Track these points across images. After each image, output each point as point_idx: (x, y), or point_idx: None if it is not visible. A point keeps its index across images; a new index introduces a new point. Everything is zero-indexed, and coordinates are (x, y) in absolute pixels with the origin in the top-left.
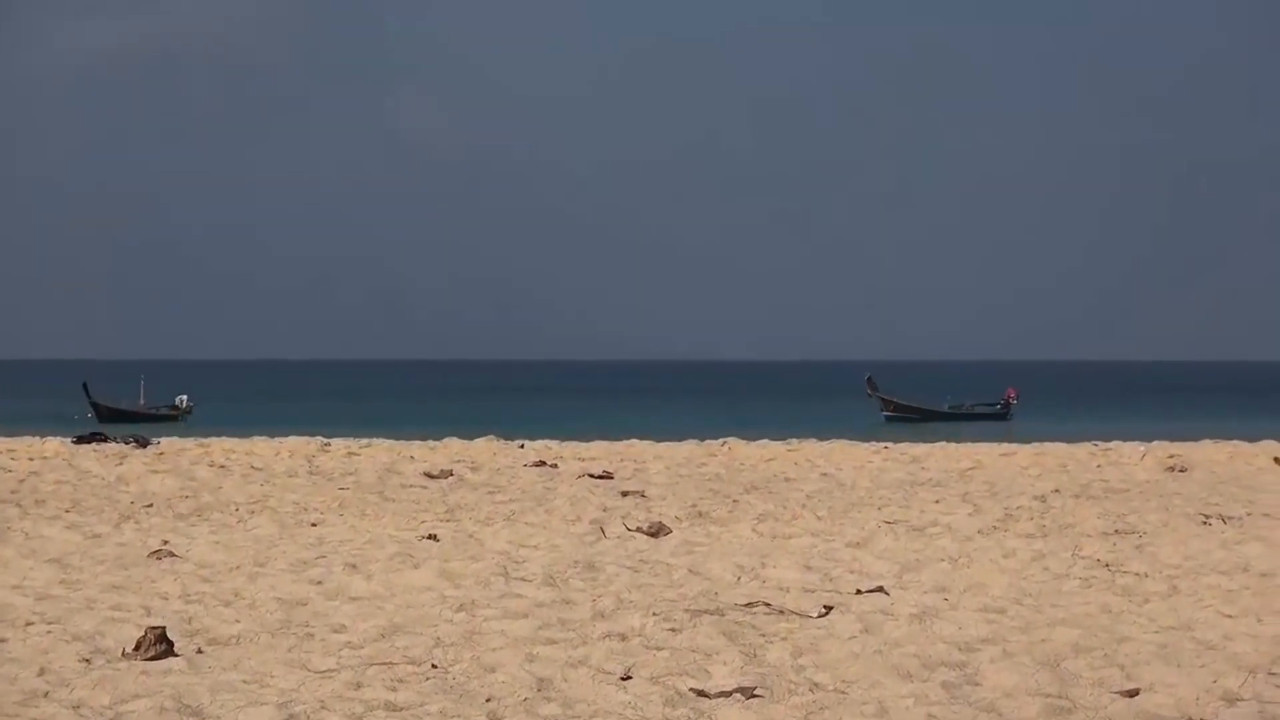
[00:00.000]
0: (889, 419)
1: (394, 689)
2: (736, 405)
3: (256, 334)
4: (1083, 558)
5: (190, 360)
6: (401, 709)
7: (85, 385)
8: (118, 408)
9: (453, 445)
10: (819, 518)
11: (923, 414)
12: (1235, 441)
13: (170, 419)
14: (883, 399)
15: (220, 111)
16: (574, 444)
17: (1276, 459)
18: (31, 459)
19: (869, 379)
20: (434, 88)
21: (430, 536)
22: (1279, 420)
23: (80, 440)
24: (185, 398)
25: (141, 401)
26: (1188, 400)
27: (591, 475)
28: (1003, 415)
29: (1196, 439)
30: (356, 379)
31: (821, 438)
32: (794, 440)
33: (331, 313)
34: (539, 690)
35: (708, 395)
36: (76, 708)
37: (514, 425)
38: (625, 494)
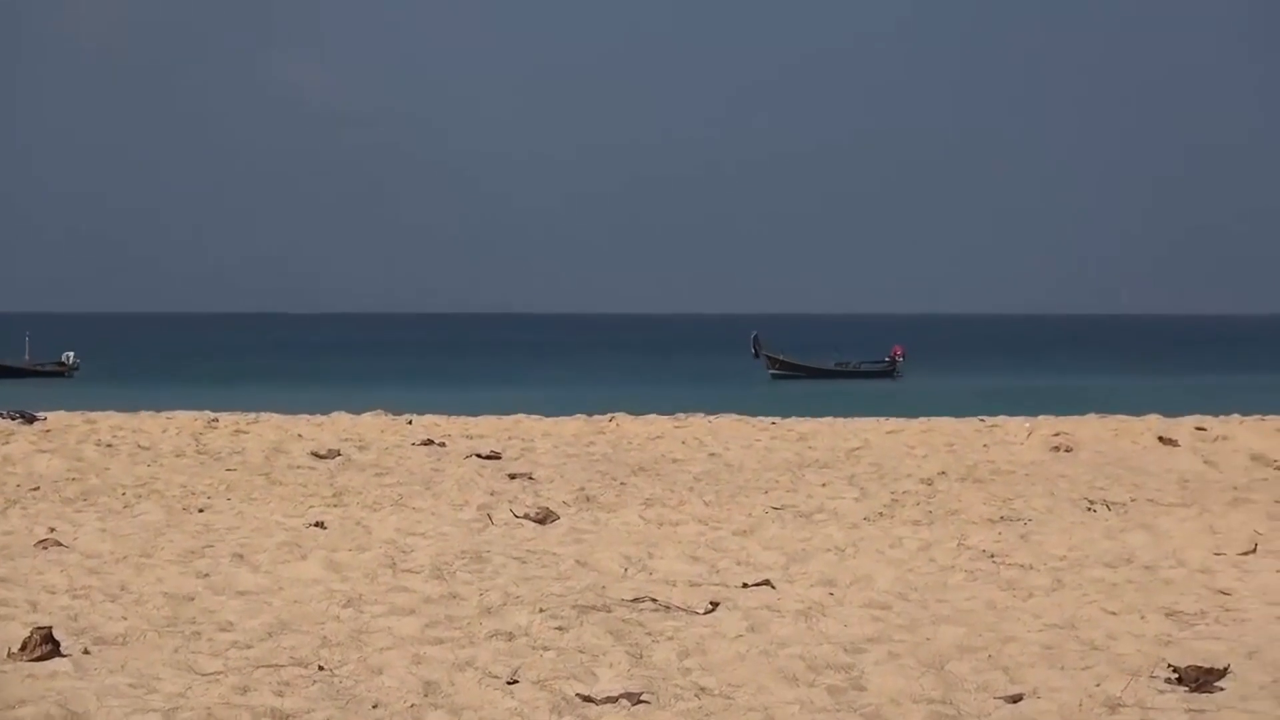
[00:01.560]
0: (775, 377)
1: (281, 693)
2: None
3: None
4: (968, 548)
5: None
6: (289, 716)
7: None
8: (3, 364)
9: (341, 421)
10: (706, 503)
11: (809, 372)
12: (1120, 416)
13: (57, 374)
14: (769, 357)
15: None
16: (462, 419)
17: (1161, 438)
18: None
19: (754, 338)
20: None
21: (318, 524)
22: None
23: None
24: (72, 354)
25: (26, 357)
26: (1075, 354)
27: (479, 455)
28: (889, 373)
29: (1081, 408)
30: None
31: (710, 409)
32: (681, 415)
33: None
34: (426, 695)
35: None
36: None
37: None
38: (513, 476)
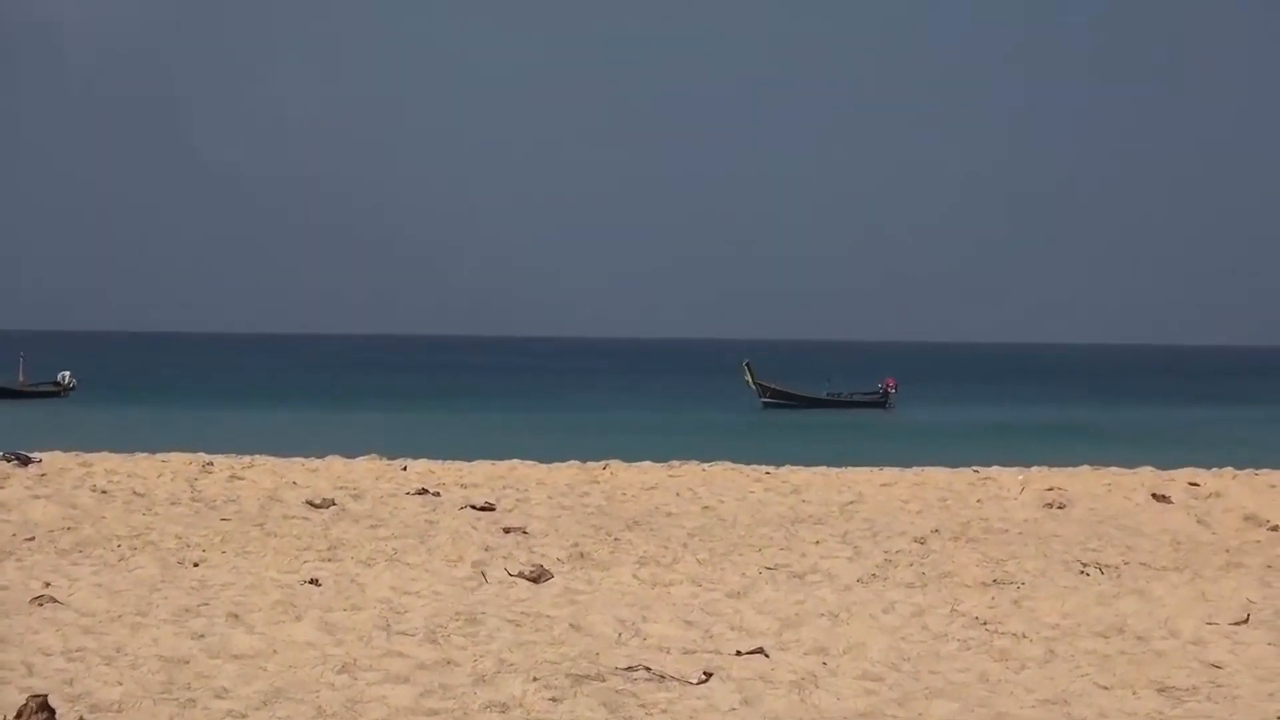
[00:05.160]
0: (767, 405)
1: None
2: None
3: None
4: (961, 614)
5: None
6: None
7: None
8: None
9: (335, 466)
10: (700, 561)
11: (801, 401)
12: (1114, 469)
13: (53, 395)
14: (760, 385)
15: None
16: (457, 465)
17: (1154, 495)
18: None
19: (746, 364)
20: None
21: (312, 581)
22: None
23: None
24: (68, 374)
25: (21, 378)
26: (1070, 385)
27: (474, 507)
28: (881, 404)
29: (1074, 460)
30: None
31: (703, 435)
32: (676, 463)
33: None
34: None
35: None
36: None
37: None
38: (508, 530)
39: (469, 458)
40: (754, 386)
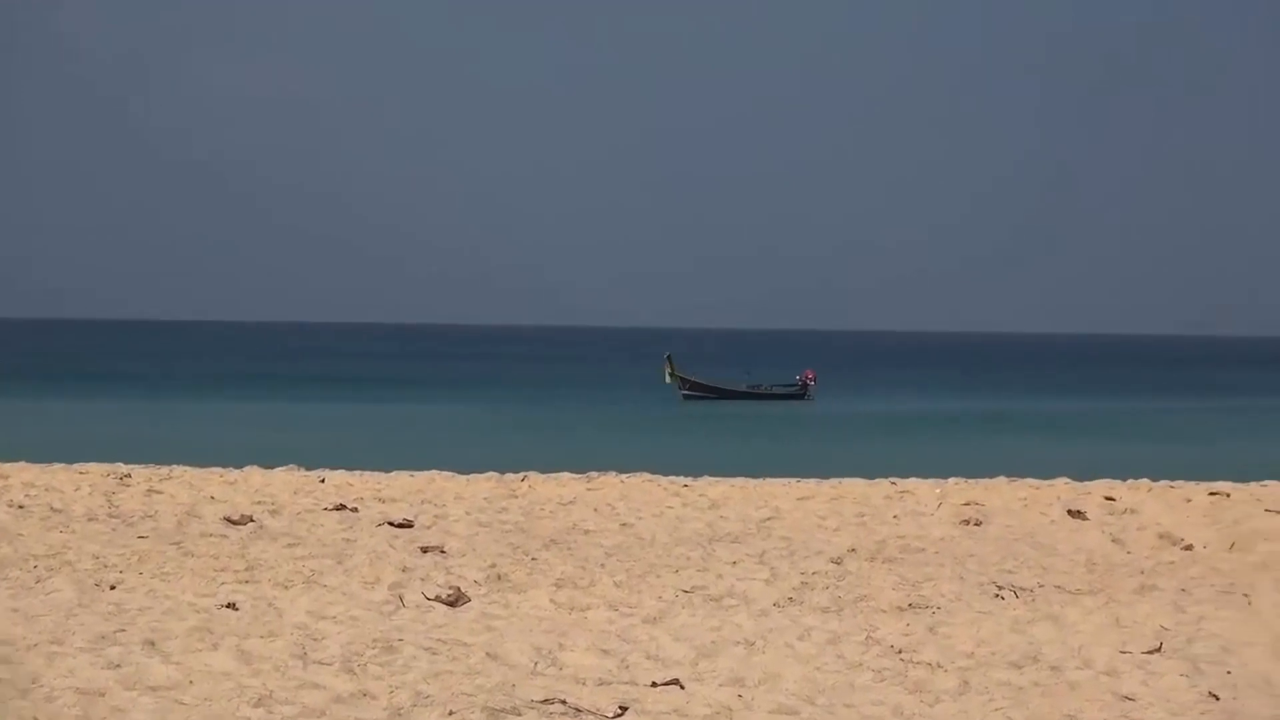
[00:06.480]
0: (687, 398)
1: None
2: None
3: None
4: (876, 641)
5: None
6: None
7: None
8: None
9: (253, 479)
10: (617, 584)
11: (720, 393)
12: (1030, 481)
13: None
14: (681, 378)
15: None
16: (375, 477)
17: (1070, 512)
18: None
19: (668, 357)
20: None
21: (229, 605)
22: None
23: None
24: None
25: None
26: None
27: (391, 524)
28: (800, 395)
29: (987, 457)
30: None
31: (622, 458)
32: (594, 474)
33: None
34: None
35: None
36: None
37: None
38: (425, 550)
39: (391, 456)
40: (674, 379)
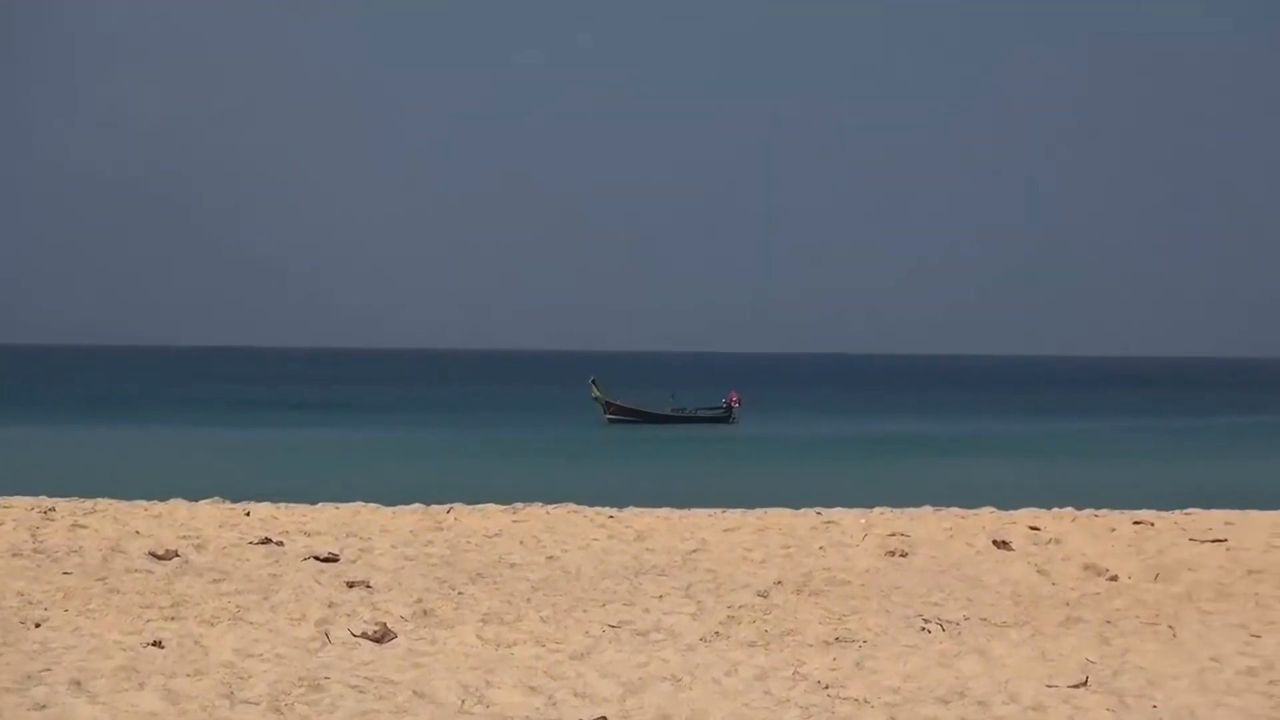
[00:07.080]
0: (612, 421)
1: None
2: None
3: None
4: (803, 677)
5: None
6: None
7: None
8: None
9: (179, 512)
10: (543, 619)
11: (645, 417)
12: (955, 510)
13: None
14: (606, 402)
15: None
16: (300, 509)
17: (995, 542)
18: None
19: (593, 381)
20: None
21: (155, 643)
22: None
23: None
24: None
25: None
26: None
27: (317, 558)
28: (725, 419)
29: (918, 499)
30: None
31: (548, 487)
32: (519, 505)
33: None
34: None
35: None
36: None
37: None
38: (351, 584)
39: (316, 485)
40: (600, 403)
